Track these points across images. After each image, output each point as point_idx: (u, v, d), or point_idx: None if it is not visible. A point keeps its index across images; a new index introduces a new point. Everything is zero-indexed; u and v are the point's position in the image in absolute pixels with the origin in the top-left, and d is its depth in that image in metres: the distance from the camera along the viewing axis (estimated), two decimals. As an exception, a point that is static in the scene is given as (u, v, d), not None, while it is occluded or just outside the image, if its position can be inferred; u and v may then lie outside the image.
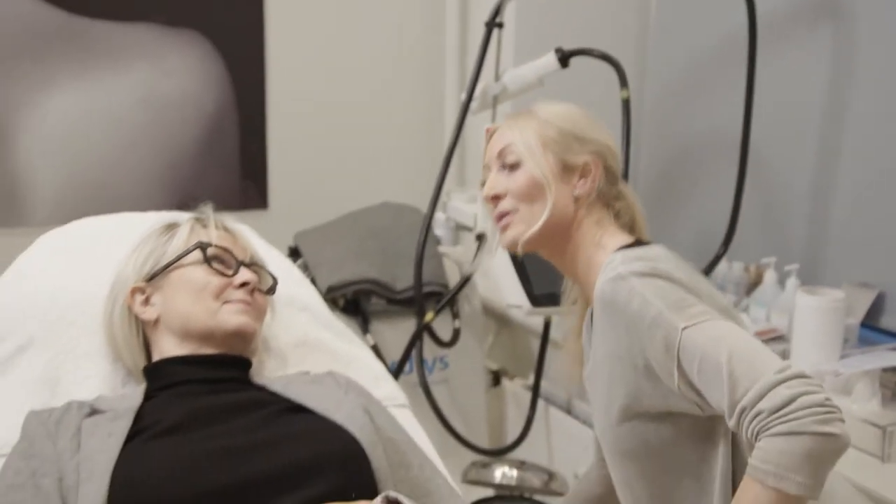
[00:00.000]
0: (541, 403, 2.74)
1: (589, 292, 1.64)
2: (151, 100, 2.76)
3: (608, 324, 1.53)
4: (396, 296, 2.61)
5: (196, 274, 1.70)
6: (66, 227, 2.00)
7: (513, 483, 2.40)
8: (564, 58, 2.47)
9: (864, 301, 2.34)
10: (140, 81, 2.74)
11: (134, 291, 1.72)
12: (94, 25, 2.66)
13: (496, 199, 1.65)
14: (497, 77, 2.54)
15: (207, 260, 1.70)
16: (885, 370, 1.99)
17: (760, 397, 1.30)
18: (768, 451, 1.28)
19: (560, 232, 1.64)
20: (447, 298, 2.55)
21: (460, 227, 2.71)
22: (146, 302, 1.72)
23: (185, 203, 2.77)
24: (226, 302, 1.68)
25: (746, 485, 1.33)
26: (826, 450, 1.27)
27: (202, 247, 1.71)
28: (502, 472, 2.41)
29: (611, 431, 1.58)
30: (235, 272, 1.71)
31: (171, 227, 1.79)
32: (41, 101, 2.63)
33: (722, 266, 2.66)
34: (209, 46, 2.81)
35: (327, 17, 2.99)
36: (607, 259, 1.58)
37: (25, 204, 2.66)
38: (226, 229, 1.80)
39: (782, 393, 1.28)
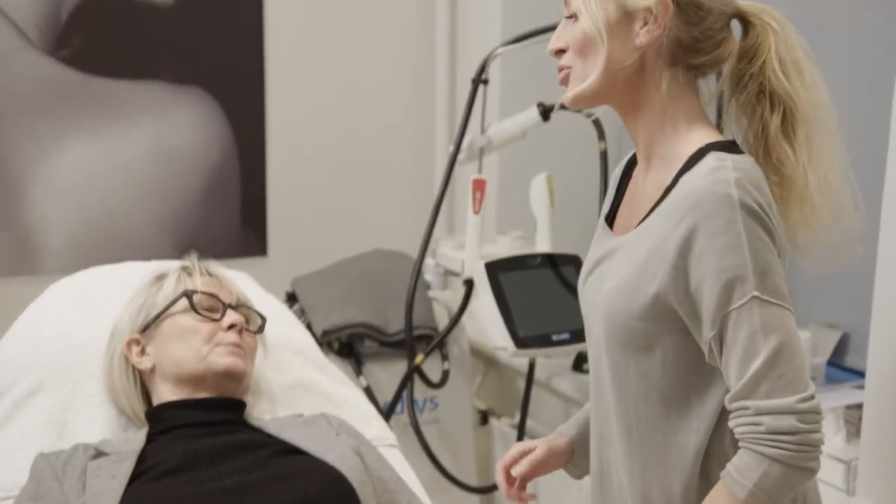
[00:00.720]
0: (526, 440, 2.70)
1: (652, 151, 1.42)
2: (158, 152, 2.78)
3: (675, 219, 1.31)
4: (388, 339, 2.60)
5: (185, 321, 1.73)
6: (75, 276, 2.02)
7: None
8: (546, 112, 2.48)
9: (830, 341, 2.35)
10: (148, 135, 2.76)
11: (130, 343, 1.75)
12: (106, 83, 2.69)
13: (559, 52, 1.44)
14: (483, 130, 2.55)
15: (194, 307, 1.73)
16: (849, 407, 1.98)
17: (770, 412, 1.25)
18: (750, 468, 1.26)
19: (624, 87, 1.40)
20: (436, 342, 2.55)
21: (449, 273, 2.71)
22: (142, 352, 1.74)
23: (188, 250, 2.85)
24: (216, 345, 1.70)
25: (720, 490, 1.30)
26: (801, 482, 1.28)
27: (188, 294, 1.74)
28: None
29: (623, 316, 1.37)
30: (222, 315, 1.73)
31: (160, 279, 1.81)
32: (54, 154, 2.65)
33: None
34: (213, 102, 2.84)
35: (325, 74, 3.01)
36: (705, 151, 1.35)
37: (38, 253, 2.68)
38: (210, 275, 1.82)
39: (791, 423, 1.24)
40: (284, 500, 1.46)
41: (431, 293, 2.72)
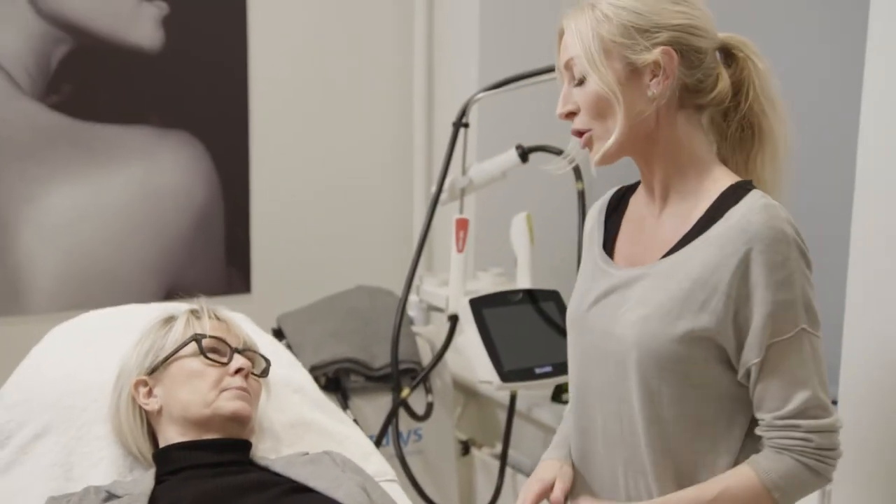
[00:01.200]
0: (508, 470, 2.70)
1: (670, 188, 1.43)
2: (146, 193, 2.76)
3: (729, 250, 1.32)
4: (374, 373, 2.59)
5: (193, 365, 1.70)
6: (75, 320, 1.99)
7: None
8: (524, 153, 2.50)
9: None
10: (135, 177, 2.74)
11: (137, 384, 1.72)
12: (95, 128, 2.67)
13: (570, 115, 1.43)
14: (464, 171, 2.55)
15: (203, 351, 1.71)
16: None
17: (819, 431, 1.34)
18: (791, 475, 1.34)
19: (644, 137, 1.41)
20: (422, 375, 2.54)
21: (431, 308, 2.71)
22: (149, 394, 1.71)
23: (175, 289, 2.83)
24: (223, 390, 1.68)
25: (750, 483, 1.36)
26: (816, 489, 1.40)
27: (197, 339, 1.72)
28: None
29: (661, 341, 1.36)
30: (230, 360, 1.71)
31: (169, 321, 1.79)
32: (43, 196, 2.62)
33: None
34: (199, 145, 2.83)
35: (307, 118, 3.01)
36: (743, 187, 1.38)
37: (28, 293, 2.64)
38: (218, 318, 1.80)
39: (834, 440, 1.35)
40: None
41: (415, 328, 2.71)
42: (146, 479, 1.60)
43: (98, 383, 1.81)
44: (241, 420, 1.67)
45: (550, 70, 2.46)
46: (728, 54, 1.44)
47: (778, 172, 1.46)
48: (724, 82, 1.42)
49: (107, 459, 1.74)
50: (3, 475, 1.70)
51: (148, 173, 2.76)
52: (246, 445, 1.69)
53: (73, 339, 1.94)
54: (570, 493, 1.57)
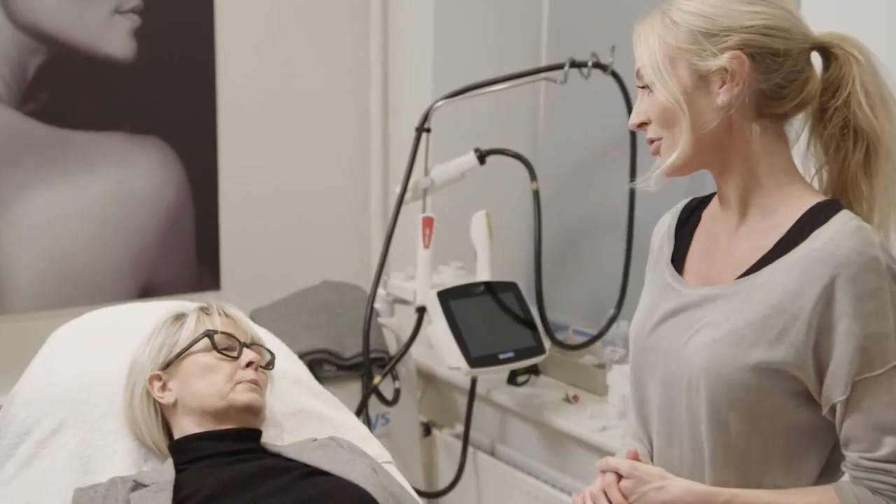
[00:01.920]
0: (469, 448, 2.75)
1: (749, 203, 1.30)
2: (119, 197, 2.72)
3: (814, 276, 1.18)
4: (345, 362, 2.60)
5: (206, 360, 1.70)
6: (80, 319, 1.96)
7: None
8: (482, 156, 2.54)
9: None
10: (109, 181, 2.70)
11: (152, 379, 1.70)
12: (70, 135, 2.62)
13: (642, 125, 1.32)
14: (426, 172, 2.59)
15: (215, 346, 1.70)
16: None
17: None
18: None
19: (717, 149, 1.28)
20: (393, 363, 2.56)
21: (397, 301, 2.73)
22: (163, 388, 1.70)
23: (149, 287, 2.82)
24: (236, 383, 1.68)
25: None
26: None
27: (209, 335, 1.71)
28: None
29: (732, 368, 1.23)
30: (240, 354, 1.71)
31: (180, 318, 1.78)
32: (22, 200, 2.57)
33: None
34: (169, 150, 2.80)
35: (272, 123, 3.00)
36: (831, 206, 1.24)
37: (8, 293, 2.59)
38: (227, 315, 1.79)
39: None
40: None
41: (381, 320, 2.73)
42: (167, 469, 1.60)
43: (108, 379, 1.79)
44: (254, 410, 1.68)
45: (506, 79, 2.52)
46: (826, 53, 1.28)
47: (886, 183, 1.26)
48: (815, 85, 1.26)
49: (121, 451, 1.72)
50: (25, 468, 1.68)
51: (121, 177, 2.73)
52: (258, 434, 1.70)
53: (81, 337, 1.92)
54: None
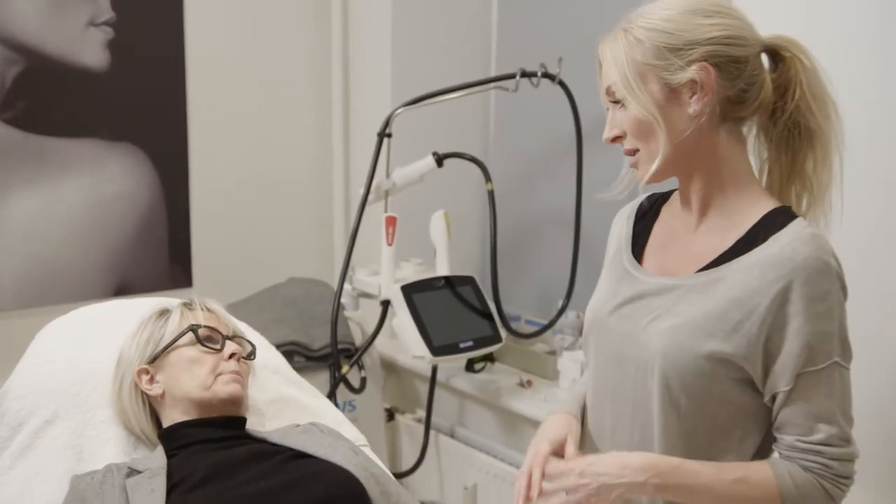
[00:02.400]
0: (431, 432, 2.80)
1: (709, 204, 1.33)
2: (95, 200, 2.73)
3: (771, 277, 1.22)
4: (314, 354, 2.65)
5: (191, 353, 1.71)
6: (68, 315, 1.96)
7: None
8: (440, 159, 2.59)
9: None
10: (85, 185, 2.71)
11: (140, 372, 1.71)
12: (47, 141, 2.63)
13: (617, 139, 1.33)
14: (388, 175, 2.63)
15: (199, 339, 1.71)
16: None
17: (840, 459, 1.25)
18: (807, 488, 1.26)
19: (688, 155, 1.29)
20: (360, 353, 2.59)
21: (362, 295, 2.76)
22: (151, 381, 1.71)
23: (124, 285, 2.85)
24: (218, 374, 1.69)
25: (767, 480, 1.27)
26: None
27: (193, 329, 1.72)
28: None
29: (688, 354, 1.28)
30: (223, 346, 1.72)
31: (164, 314, 1.79)
32: (2, 204, 2.57)
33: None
34: (143, 155, 2.81)
35: (239, 130, 3.02)
36: (785, 213, 1.28)
37: None
38: (209, 310, 1.80)
39: (850, 469, 1.27)
40: (309, 499, 1.47)
41: (347, 313, 2.77)
42: (158, 455, 1.61)
43: (97, 372, 1.80)
44: (236, 401, 1.70)
45: (462, 87, 2.55)
46: (774, 55, 1.31)
47: (824, 173, 1.31)
48: (768, 88, 1.29)
49: (112, 440, 1.73)
50: (21, 458, 1.69)
51: (96, 181, 2.73)
52: (243, 421, 1.71)
53: (69, 333, 1.92)
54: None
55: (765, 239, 1.26)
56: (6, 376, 1.88)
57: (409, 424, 2.96)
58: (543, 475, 1.38)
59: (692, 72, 1.23)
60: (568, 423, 1.48)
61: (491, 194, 2.59)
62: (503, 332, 2.61)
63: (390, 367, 3.07)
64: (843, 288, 1.25)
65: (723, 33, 1.25)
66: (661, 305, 1.33)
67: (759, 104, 1.29)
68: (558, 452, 1.42)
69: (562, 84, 2.57)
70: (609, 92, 1.31)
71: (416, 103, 2.57)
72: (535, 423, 2.56)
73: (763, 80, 1.29)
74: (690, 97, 1.25)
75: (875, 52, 1.81)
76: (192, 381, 1.68)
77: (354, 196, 3.22)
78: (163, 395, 1.71)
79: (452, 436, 2.85)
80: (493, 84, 2.59)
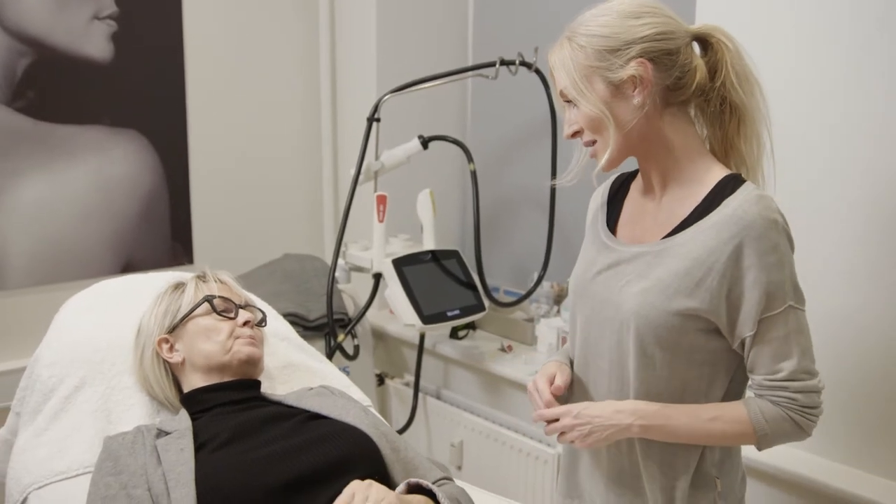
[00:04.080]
0: (419, 395, 2.84)
1: (668, 178, 1.39)
2: (101, 183, 2.71)
3: (726, 236, 1.28)
4: (311, 324, 2.64)
5: (208, 322, 1.71)
6: (88, 289, 1.96)
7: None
8: (425, 142, 2.61)
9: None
10: (91, 169, 2.69)
11: (160, 342, 1.72)
12: (55, 128, 2.60)
13: (576, 134, 1.38)
14: (377, 157, 2.64)
15: (214, 309, 1.72)
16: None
17: (804, 391, 1.30)
18: (776, 421, 1.32)
19: (641, 140, 1.35)
20: (354, 322, 2.59)
21: (354, 269, 2.77)
22: (171, 349, 1.72)
23: (129, 263, 2.84)
24: (236, 338, 1.69)
25: (741, 417, 1.32)
26: (795, 440, 1.35)
27: (209, 299, 1.73)
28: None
29: (658, 312, 1.33)
30: (236, 314, 1.73)
31: (180, 286, 1.79)
32: (13, 188, 2.54)
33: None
34: (145, 141, 2.79)
35: (236, 116, 3.01)
36: (735, 179, 1.32)
37: (4, 272, 2.57)
38: (221, 281, 1.80)
39: (816, 399, 1.32)
40: (329, 457, 1.47)
41: (340, 286, 2.76)
42: (183, 418, 1.61)
43: (120, 341, 1.81)
44: (254, 362, 1.70)
45: (446, 75, 2.56)
46: (703, 42, 1.37)
47: (754, 145, 1.37)
48: (701, 73, 1.34)
49: (137, 405, 1.74)
50: (55, 421, 1.70)
51: (102, 166, 2.71)
52: (258, 384, 1.72)
53: (91, 305, 1.92)
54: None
55: (718, 203, 1.31)
56: (23, 347, 1.86)
57: (398, 388, 2.98)
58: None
59: (631, 68, 1.29)
60: (559, 366, 1.54)
61: (473, 174, 2.60)
62: (486, 302, 2.64)
63: (379, 336, 3.09)
64: (790, 240, 1.31)
65: (654, 31, 1.30)
66: (633, 270, 1.38)
67: (696, 87, 1.34)
68: (552, 382, 1.49)
69: (538, 72, 2.59)
70: (562, 94, 1.37)
71: (403, 90, 2.57)
72: (515, 384, 2.62)
73: (696, 65, 1.34)
74: (633, 91, 1.31)
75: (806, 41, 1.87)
76: (212, 347, 1.68)
77: (342, 177, 3.22)
78: (183, 362, 1.71)
79: (439, 398, 2.88)
80: (474, 72, 2.60)
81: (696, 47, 1.38)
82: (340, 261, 2.72)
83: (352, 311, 2.77)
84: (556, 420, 1.43)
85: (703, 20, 1.89)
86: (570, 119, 1.38)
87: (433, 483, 1.48)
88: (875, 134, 1.78)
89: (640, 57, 1.30)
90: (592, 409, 1.40)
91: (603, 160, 1.35)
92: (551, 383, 1.48)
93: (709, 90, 1.36)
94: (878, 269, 1.80)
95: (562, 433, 1.42)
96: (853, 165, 1.82)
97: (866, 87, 1.79)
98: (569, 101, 1.37)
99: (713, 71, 1.35)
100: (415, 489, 1.43)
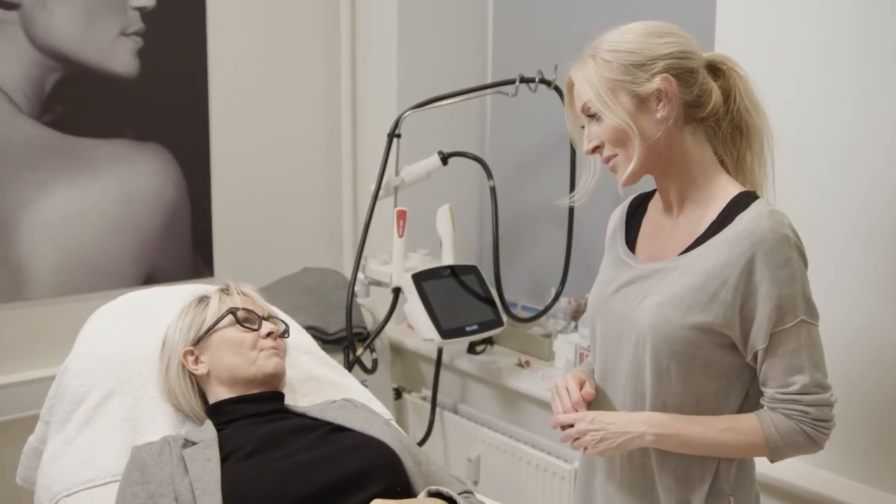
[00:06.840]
0: (437, 409, 2.86)
1: (685, 197, 1.42)
2: (124, 196, 2.76)
3: (738, 250, 1.31)
4: (329, 337, 2.69)
5: (232, 334, 1.74)
6: (115, 301, 2.00)
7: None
8: (445, 158, 2.64)
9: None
10: (115, 182, 2.74)
11: (185, 354, 1.75)
12: (81, 142, 2.66)
13: (596, 149, 1.41)
14: (397, 172, 2.67)
15: (238, 321, 1.75)
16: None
17: (816, 405, 1.33)
18: (789, 434, 1.34)
19: (662, 154, 1.38)
20: (373, 336, 2.63)
21: (373, 283, 2.79)
22: (196, 361, 1.75)
23: (151, 275, 2.89)
24: (260, 351, 1.72)
25: (753, 428, 1.35)
26: (807, 452, 1.38)
27: (232, 311, 1.76)
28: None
29: (674, 326, 1.36)
30: (260, 326, 1.76)
31: (204, 299, 1.82)
32: (39, 200, 2.60)
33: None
34: (168, 154, 2.84)
35: (257, 131, 3.06)
36: (748, 196, 1.36)
37: (29, 283, 2.62)
38: (244, 294, 1.84)
39: (829, 413, 1.34)
40: (353, 468, 1.49)
41: (359, 300, 2.79)
42: (209, 429, 1.64)
43: (146, 352, 1.84)
44: (279, 374, 1.73)
45: (466, 92, 2.60)
46: (714, 69, 1.42)
47: (763, 165, 1.44)
48: (717, 93, 1.39)
49: (163, 415, 1.78)
50: (83, 429, 1.73)
51: (126, 179, 2.76)
52: (282, 396, 1.74)
53: (118, 316, 1.95)
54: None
55: (732, 219, 1.34)
56: (48, 356, 1.89)
57: (415, 402, 3.00)
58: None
59: (657, 82, 1.34)
60: (587, 375, 1.58)
61: (493, 190, 2.64)
62: (504, 317, 2.67)
63: (397, 350, 3.12)
64: (802, 255, 1.33)
65: (677, 49, 1.36)
66: (650, 286, 1.41)
67: (713, 106, 1.39)
68: (582, 384, 1.53)
69: (557, 89, 2.63)
70: (584, 109, 1.40)
71: (424, 106, 2.60)
72: (532, 400, 2.64)
73: (712, 87, 1.40)
74: (657, 104, 1.36)
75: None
76: (237, 360, 1.71)
77: (362, 192, 3.26)
78: (208, 374, 1.75)
79: (456, 412, 2.90)
80: (495, 89, 2.64)
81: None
82: (360, 275, 2.75)
83: (370, 325, 2.80)
84: (572, 426, 1.46)
85: (722, 49, 1.93)
86: (591, 134, 1.41)
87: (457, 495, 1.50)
88: (882, 154, 1.82)
89: (665, 72, 1.34)
90: (607, 417, 1.44)
91: (625, 174, 1.39)
92: (581, 387, 1.51)
93: (722, 113, 1.41)
94: (889, 285, 1.84)
95: (576, 439, 1.46)
96: (862, 183, 1.87)
97: (877, 111, 1.83)
98: (591, 116, 1.40)
99: (725, 95, 1.41)
100: (435, 496, 1.45)
